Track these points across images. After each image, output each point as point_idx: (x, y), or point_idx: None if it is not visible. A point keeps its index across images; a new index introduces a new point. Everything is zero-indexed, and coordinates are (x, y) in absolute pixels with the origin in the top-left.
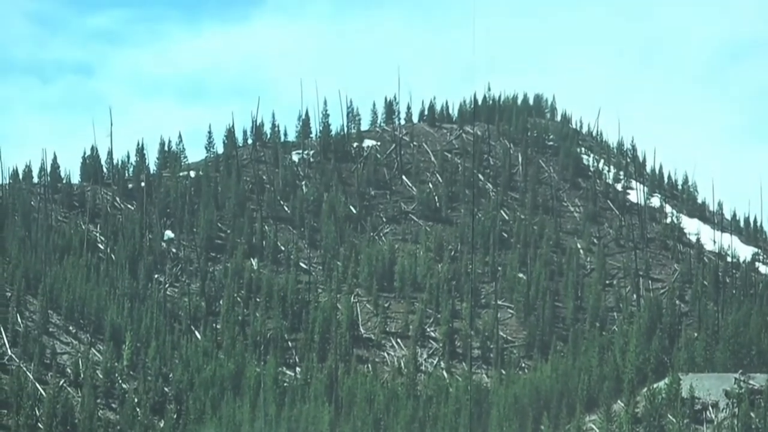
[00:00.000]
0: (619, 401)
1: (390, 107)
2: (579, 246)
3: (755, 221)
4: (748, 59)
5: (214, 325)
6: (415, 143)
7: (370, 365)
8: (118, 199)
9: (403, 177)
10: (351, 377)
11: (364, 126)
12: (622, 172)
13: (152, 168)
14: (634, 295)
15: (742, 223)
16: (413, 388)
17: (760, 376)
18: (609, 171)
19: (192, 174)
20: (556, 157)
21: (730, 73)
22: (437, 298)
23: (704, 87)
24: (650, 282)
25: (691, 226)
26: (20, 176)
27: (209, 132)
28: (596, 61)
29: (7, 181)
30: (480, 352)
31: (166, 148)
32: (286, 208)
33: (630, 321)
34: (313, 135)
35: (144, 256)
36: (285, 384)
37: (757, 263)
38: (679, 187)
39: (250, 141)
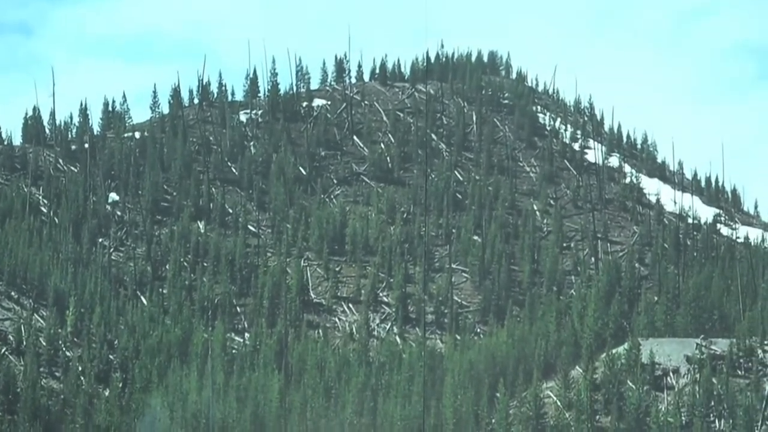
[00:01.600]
0: (577, 367)
1: (340, 66)
2: (535, 207)
3: (716, 181)
4: (708, 17)
5: (160, 290)
6: (366, 102)
7: (320, 331)
8: (61, 161)
9: (354, 137)
10: (301, 343)
11: (314, 85)
12: (579, 131)
13: (96, 129)
14: (593, 258)
15: (703, 183)
16: (365, 354)
17: (722, 341)
18: (566, 130)
19: (137, 135)
20: (511, 116)
21: (691, 30)
22: (390, 262)
23: (663, 45)
24: (609, 244)
25: (651, 186)
26: None
27: (154, 92)
28: (552, 18)
29: None
30: (434, 317)
31: (110, 109)
32: (234, 170)
33: (588, 285)
34: (261, 94)
35: (88, 220)
36: (233, 351)
37: (718, 225)
38: (639, 146)
39: (196, 101)
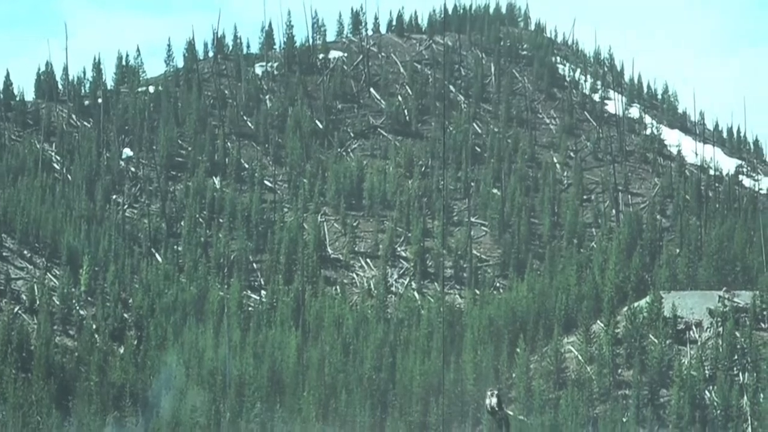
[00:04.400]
0: (598, 321)
1: (356, 18)
2: (555, 160)
3: (738, 132)
4: None
5: (175, 247)
6: (383, 54)
7: (338, 287)
8: (74, 116)
9: (371, 90)
10: (318, 300)
11: (330, 37)
12: (599, 82)
13: (109, 84)
14: (613, 211)
15: (725, 134)
16: (383, 310)
17: (745, 293)
18: (585, 81)
19: (151, 89)
20: (530, 68)
21: None
22: (408, 216)
23: None
24: (630, 196)
25: (672, 137)
26: None
27: (168, 45)
28: None
29: None
30: (453, 271)
31: (123, 63)
32: (250, 124)
33: (609, 237)
34: (276, 47)
35: (101, 176)
36: (250, 308)
37: (740, 176)
38: (659, 97)
39: (211, 54)
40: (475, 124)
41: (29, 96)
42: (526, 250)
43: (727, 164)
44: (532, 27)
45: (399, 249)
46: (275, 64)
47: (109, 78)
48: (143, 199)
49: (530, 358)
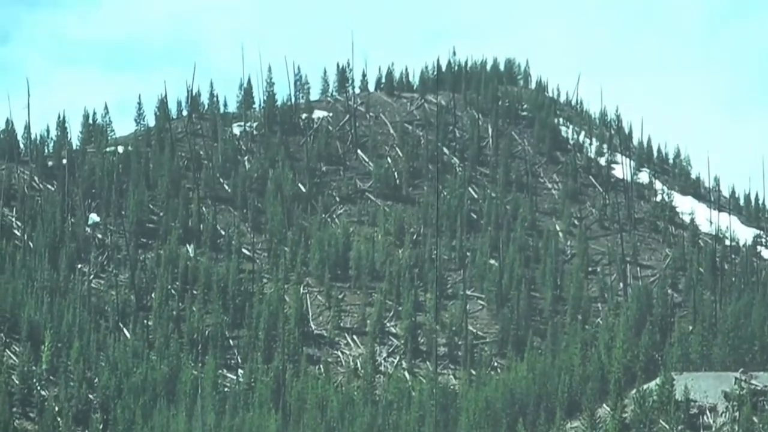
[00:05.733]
0: (604, 405)
1: (343, 75)
2: (558, 228)
3: (756, 199)
4: (742, 19)
5: (145, 321)
6: (371, 114)
7: (322, 366)
8: (36, 178)
9: (359, 151)
10: (300, 380)
11: (314, 95)
12: (605, 145)
13: (75, 143)
14: (621, 284)
15: (741, 202)
16: (371, 392)
17: (764, 375)
18: (591, 144)
19: (120, 149)
20: (530, 129)
21: (723, 34)
22: (398, 289)
23: (695, 51)
24: (639, 269)
25: (685, 204)
26: None
27: (139, 102)
28: (574, 22)
29: None
30: (447, 349)
31: (90, 121)
32: (227, 187)
33: (616, 313)
34: (256, 105)
35: (66, 244)
36: (226, 389)
37: (759, 247)
38: (670, 161)
39: (185, 112)
40: (470, 189)
41: None
42: (526, 326)
43: (744, 234)
44: (533, 85)
45: (388, 324)
46: (254, 124)
47: (74, 137)
48: (111, 269)
49: None
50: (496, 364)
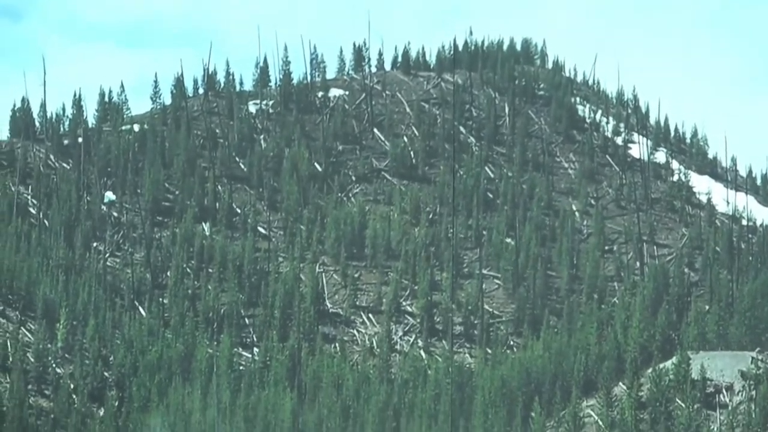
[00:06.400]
0: (620, 384)
1: (359, 53)
2: (574, 207)
3: None
4: None
5: (160, 300)
6: (387, 93)
7: (337, 345)
8: (52, 156)
9: (375, 130)
10: (316, 359)
11: (330, 74)
12: (622, 125)
13: (91, 121)
14: (637, 263)
15: (759, 181)
16: (387, 370)
17: None
18: (608, 123)
19: (136, 128)
20: (547, 108)
21: (741, 13)
22: (414, 268)
23: (714, 29)
24: (655, 248)
25: (701, 184)
26: None
27: (155, 81)
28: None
29: None
30: (462, 328)
31: (106, 99)
32: (242, 166)
33: (632, 292)
34: (272, 84)
35: (81, 222)
36: (241, 367)
37: None
38: (687, 140)
39: (201, 91)
40: (487, 168)
41: (3, 134)
42: (542, 305)
43: (762, 213)
44: (550, 65)
45: (404, 303)
46: (270, 102)
47: (90, 115)
48: (126, 247)
49: (546, 423)
50: (511, 343)
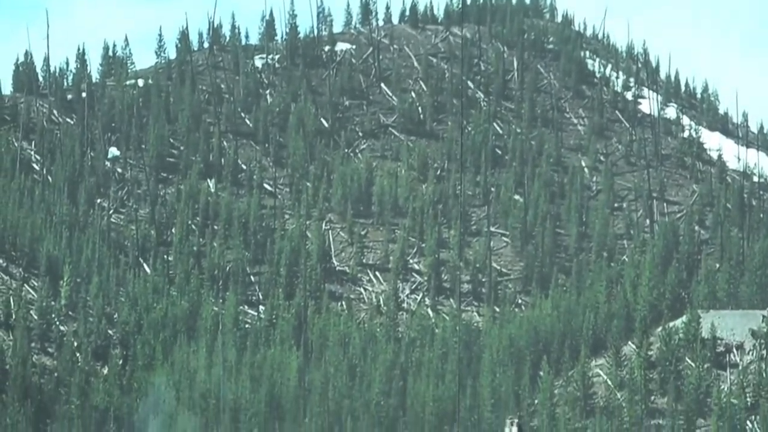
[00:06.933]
0: (629, 343)
1: (366, 7)
2: (583, 164)
3: None
4: None
5: (165, 257)
6: (395, 47)
7: (344, 303)
8: (55, 111)
9: (382, 85)
10: (322, 317)
11: (337, 28)
12: (632, 79)
13: (95, 76)
14: (647, 221)
15: None
16: (394, 329)
17: None
18: (617, 78)
19: (140, 83)
20: (556, 63)
21: None
22: (421, 225)
23: None
24: (665, 205)
25: (712, 140)
26: None
27: (160, 35)
28: None
29: None
30: (470, 286)
31: (110, 54)
32: (248, 122)
33: (642, 250)
34: (278, 38)
35: (85, 178)
36: (247, 325)
37: None
38: (698, 96)
39: (206, 45)
40: (495, 124)
41: (6, 89)
42: (550, 263)
43: None
44: (559, 19)
45: (411, 261)
46: (277, 57)
47: (94, 70)
48: (130, 204)
49: (554, 382)
50: (520, 301)
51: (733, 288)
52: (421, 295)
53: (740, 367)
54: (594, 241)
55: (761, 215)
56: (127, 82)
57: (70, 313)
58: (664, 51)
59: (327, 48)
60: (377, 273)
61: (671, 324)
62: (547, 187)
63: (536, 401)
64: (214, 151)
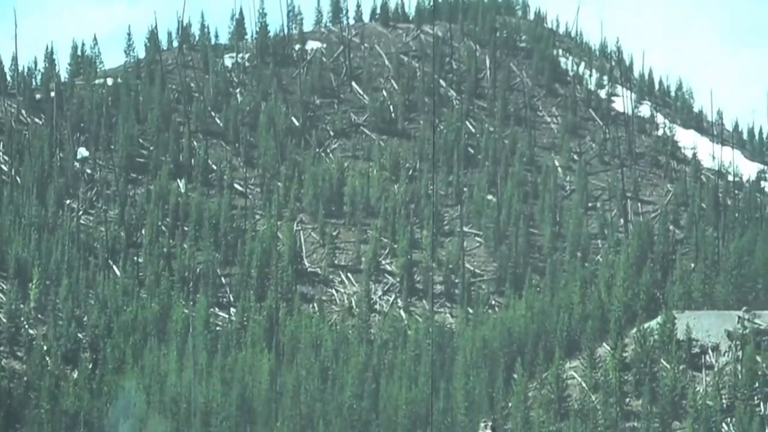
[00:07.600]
0: (604, 344)
1: (337, 5)
2: (557, 163)
3: (760, 133)
4: None
5: (135, 258)
6: (366, 45)
7: (315, 304)
8: (23, 111)
9: (353, 84)
10: (294, 319)
11: (307, 27)
12: (605, 77)
13: (63, 76)
14: (621, 220)
15: (745, 136)
16: (366, 331)
17: (767, 313)
18: (591, 76)
19: (109, 82)
20: (529, 61)
21: None
22: (393, 225)
23: None
24: (639, 204)
25: (687, 139)
26: None
27: (129, 34)
28: None
29: None
30: (443, 288)
31: (79, 53)
32: (218, 121)
33: (616, 250)
34: (248, 37)
35: (54, 179)
36: (217, 327)
37: (762, 182)
38: (672, 94)
39: (175, 44)
40: (468, 123)
41: None
42: (524, 263)
43: (748, 169)
44: (532, 16)
45: (383, 262)
46: (247, 56)
47: (62, 69)
48: (100, 205)
49: (528, 385)
50: (493, 302)
51: (708, 288)
52: (393, 296)
53: (716, 369)
54: (568, 241)
55: (736, 214)
56: (96, 82)
57: (39, 316)
58: (638, 49)
59: (297, 47)
60: (349, 274)
61: (646, 325)
62: (521, 186)
63: (510, 404)
64: (184, 151)
